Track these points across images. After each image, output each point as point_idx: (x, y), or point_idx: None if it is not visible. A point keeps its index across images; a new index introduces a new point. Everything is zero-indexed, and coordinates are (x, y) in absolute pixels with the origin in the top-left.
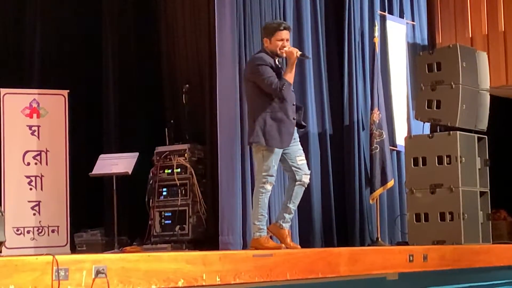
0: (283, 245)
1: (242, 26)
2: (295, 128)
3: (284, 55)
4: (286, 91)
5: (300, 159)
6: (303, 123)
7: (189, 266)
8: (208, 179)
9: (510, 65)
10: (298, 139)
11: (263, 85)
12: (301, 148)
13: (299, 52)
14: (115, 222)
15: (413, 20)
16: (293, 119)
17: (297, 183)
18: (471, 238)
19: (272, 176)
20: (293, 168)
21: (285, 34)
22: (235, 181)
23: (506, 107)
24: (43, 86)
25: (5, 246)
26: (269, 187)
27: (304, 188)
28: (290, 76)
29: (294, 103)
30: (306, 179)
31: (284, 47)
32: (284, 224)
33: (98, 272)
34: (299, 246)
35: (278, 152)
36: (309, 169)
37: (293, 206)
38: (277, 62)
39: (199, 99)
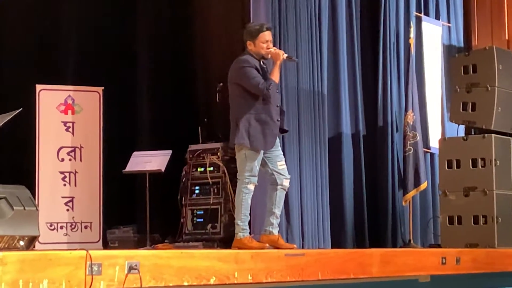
0: (267, 244)
1: (277, 26)
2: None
3: (269, 56)
4: (272, 91)
5: (280, 164)
6: (285, 128)
7: (221, 264)
8: None
9: None
10: (279, 145)
11: (249, 86)
12: (282, 153)
13: (286, 55)
14: (147, 219)
15: (449, 22)
16: (277, 120)
17: (278, 187)
18: (504, 241)
19: (255, 176)
20: (274, 172)
21: (268, 35)
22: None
23: None
24: (78, 83)
25: (38, 241)
26: (252, 187)
27: (285, 192)
28: (276, 77)
29: (278, 105)
30: (286, 183)
31: (269, 48)
32: (273, 230)
33: (131, 268)
34: (294, 246)
35: (260, 153)
36: (341, 170)
37: (278, 211)
38: (262, 64)
39: None
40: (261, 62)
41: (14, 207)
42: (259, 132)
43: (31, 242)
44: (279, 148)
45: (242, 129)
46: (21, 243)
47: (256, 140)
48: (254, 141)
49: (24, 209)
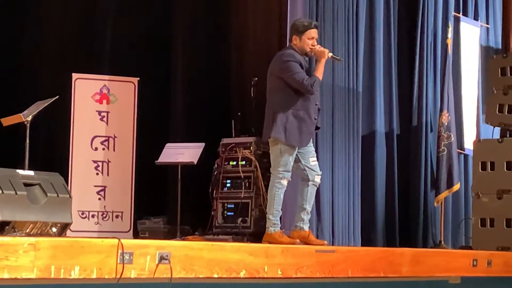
0: (297, 240)
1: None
2: None
3: (313, 53)
4: (316, 88)
5: (313, 160)
6: (318, 124)
7: (251, 258)
8: None
9: None
10: (311, 141)
11: (293, 81)
12: (314, 149)
13: (331, 53)
14: (178, 211)
15: (487, 23)
16: (315, 119)
17: (309, 183)
18: None
19: (288, 171)
20: (306, 168)
21: (314, 33)
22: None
23: None
24: (113, 73)
25: (69, 229)
26: (285, 182)
27: (316, 188)
28: (320, 74)
29: (317, 103)
30: (318, 179)
31: (314, 45)
32: (304, 226)
33: (162, 258)
34: (325, 242)
35: (295, 149)
36: (373, 168)
37: (309, 207)
38: (304, 61)
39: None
40: (303, 58)
41: (48, 194)
42: (295, 128)
43: (63, 229)
44: (312, 144)
45: (279, 123)
46: (54, 229)
47: (292, 136)
48: (289, 137)
49: (58, 196)
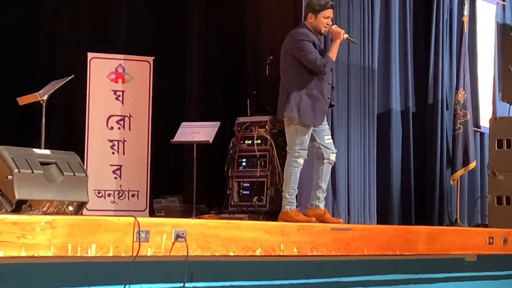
0: (313, 218)
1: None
2: None
3: (329, 33)
4: (329, 68)
5: (327, 138)
6: (332, 102)
7: (267, 236)
8: None
9: None
10: (326, 119)
11: (306, 60)
12: (329, 127)
13: (346, 35)
14: (194, 190)
15: (503, 0)
16: (328, 98)
17: (325, 161)
18: None
19: (305, 150)
20: (321, 146)
21: (330, 13)
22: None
23: None
24: (129, 52)
25: (86, 208)
26: (301, 161)
27: (331, 166)
28: (334, 55)
29: (330, 82)
30: (333, 157)
31: (329, 24)
32: (320, 204)
33: (178, 236)
34: (341, 220)
35: (311, 127)
36: (389, 146)
37: (324, 185)
38: (318, 40)
39: None
40: (317, 37)
41: (64, 173)
42: (309, 108)
43: (79, 208)
44: (326, 122)
45: (293, 103)
46: (70, 208)
47: (306, 115)
48: (303, 116)
49: (74, 175)
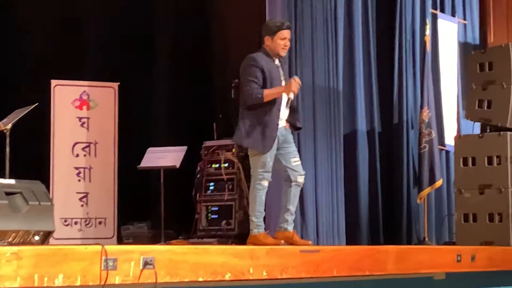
0: (282, 241)
1: (293, 21)
2: (290, 130)
3: (283, 54)
4: (257, 102)
5: (294, 160)
6: (298, 125)
7: (236, 260)
8: None
9: None
10: (293, 141)
11: (243, 86)
12: (296, 150)
13: (292, 95)
14: (161, 215)
15: (465, 19)
16: (277, 124)
17: (293, 183)
18: None
19: (268, 172)
20: (287, 169)
21: (286, 33)
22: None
23: None
24: (93, 78)
25: (52, 237)
26: (265, 183)
27: (300, 189)
28: (270, 96)
29: (280, 109)
30: (301, 180)
31: (286, 45)
32: (288, 227)
33: (146, 263)
34: (310, 242)
35: (273, 149)
36: (356, 167)
37: (293, 208)
38: (276, 62)
39: None
40: (276, 60)
41: (29, 202)
42: (258, 133)
43: (46, 237)
44: (293, 144)
45: (242, 129)
46: (36, 238)
47: (255, 142)
48: (251, 143)
49: (39, 204)
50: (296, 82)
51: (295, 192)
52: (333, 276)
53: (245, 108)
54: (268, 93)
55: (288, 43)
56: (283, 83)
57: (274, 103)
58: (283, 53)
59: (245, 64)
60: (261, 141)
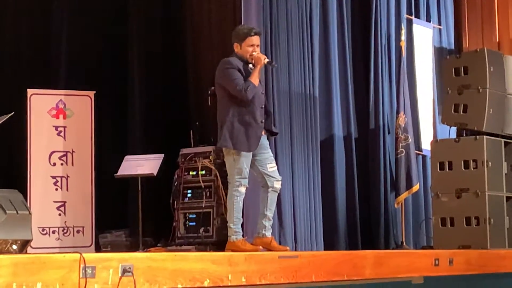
0: (260, 247)
1: (268, 28)
2: (266, 136)
3: (252, 60)
4: (251, 92)
5: (270, 166)
6: (274, 130)
7: (214, 266)
8: None
9: None
10: (269, 147)
11: (229, 87)
12: (272, 155)
13: (267, 59)
14: (139, 223)
15: (439, 24)
16: (261, 122)
17: (270, 189)
18: (497, 243)
19: (245, 178)
20: (264, 174)
21: (255, 40)
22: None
23: None
24: (69, 87)
25: (30, 246)
26: (243, 189)
27: (277, 194)
28: (255, 79)
29: (263, 106)
30: (278, 185)
31: (256, 52)
32: (266, 233)
33: (124, 271)
34: (288, 248)
35: (248, 155)
36: (333, 172)
37: (270, 213)
38: (249, 68)
39: None
40: (250, 65)
41: (7, 211)
42: (242, 134)
43: (24, 246)
44: (269, 150)
45: (226, 132)
46: (14, 247)
47: (239, 143)
48: (237, 144)
49: (17, 213)
50: (258, 54)
51: (272, 198)
52: (312, 281)
53: (225, 111)
54: (253, 78)
55: (256, 50)
56: (260, 85)
57: (254, 103)
58: (251, 59)
59: (221, 67)
60: (246, 141)
